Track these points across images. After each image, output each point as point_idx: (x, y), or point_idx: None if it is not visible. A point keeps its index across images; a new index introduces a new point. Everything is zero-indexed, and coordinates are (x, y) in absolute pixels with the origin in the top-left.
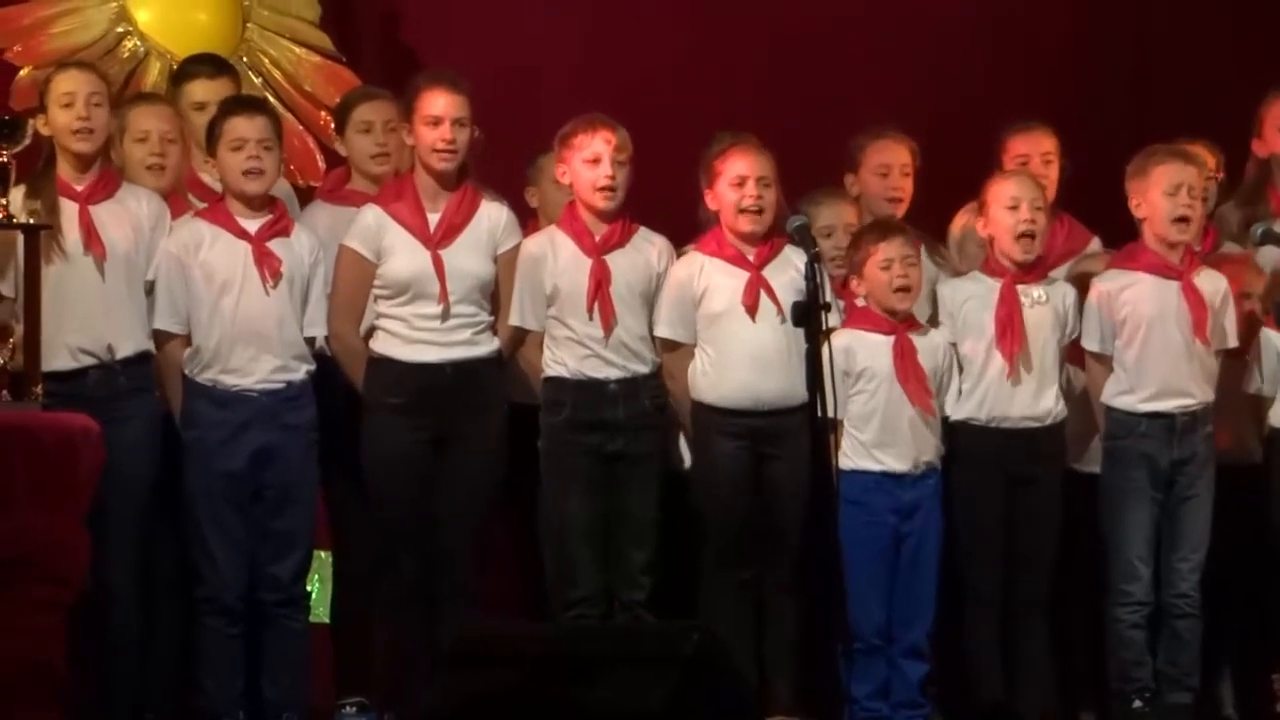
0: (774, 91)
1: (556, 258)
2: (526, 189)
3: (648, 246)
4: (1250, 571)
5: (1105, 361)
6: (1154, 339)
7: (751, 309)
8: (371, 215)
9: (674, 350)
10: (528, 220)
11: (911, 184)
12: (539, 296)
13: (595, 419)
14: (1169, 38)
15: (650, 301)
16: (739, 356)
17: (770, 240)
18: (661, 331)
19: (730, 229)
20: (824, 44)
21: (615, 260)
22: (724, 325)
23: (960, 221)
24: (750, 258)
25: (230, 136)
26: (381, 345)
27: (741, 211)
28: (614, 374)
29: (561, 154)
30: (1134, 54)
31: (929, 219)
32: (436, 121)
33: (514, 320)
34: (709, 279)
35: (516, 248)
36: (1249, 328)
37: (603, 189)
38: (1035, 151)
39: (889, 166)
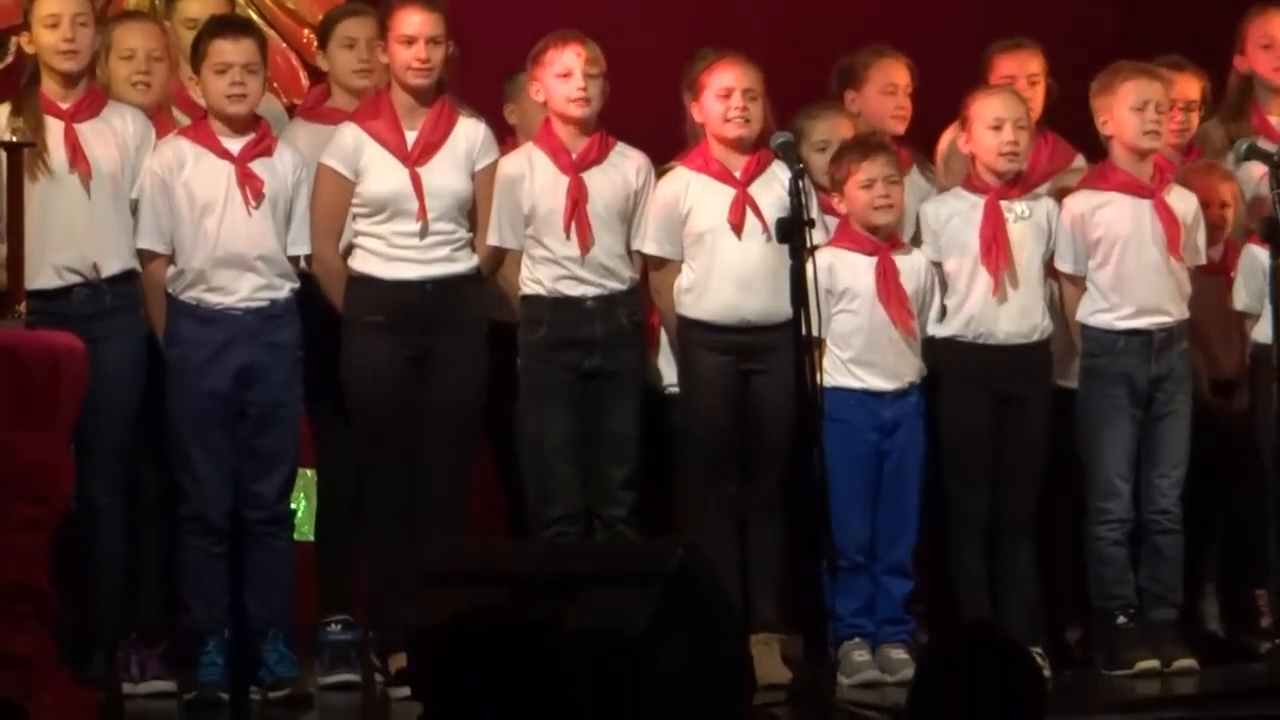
0: (756, 5)
1: (534, 177)
2: (505, 105)
3: (625, 163)
4: (1232, 487)
5: (1079, 282)
6: (1129, 258)
7: (738, 226)
8: (349, 133)
9: (661, 267)
10: (506, 137)
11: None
12: (517, 216)
13: (573, 336)
14: None
15: (628, 219)
16: (724, 274)
17: (757, 155)
18: (649, 248)
19: (717, 138)
20: None
21: (592, 178)
22: (709, 242)
23: (948, 137)
24: (737, 174)
25: (214, 59)
26: (360, 263)
27: (728, 120)
28: (591, 291)
29: (534, 73)
30: None
31: (912, 136)
32: (410, 41)
33: (493, 240)
34: (695, 196)
35: (494, 164)
36: (1220, 235)
37: (576, 99)
38: (1021, 72)
39: (895, 85)
